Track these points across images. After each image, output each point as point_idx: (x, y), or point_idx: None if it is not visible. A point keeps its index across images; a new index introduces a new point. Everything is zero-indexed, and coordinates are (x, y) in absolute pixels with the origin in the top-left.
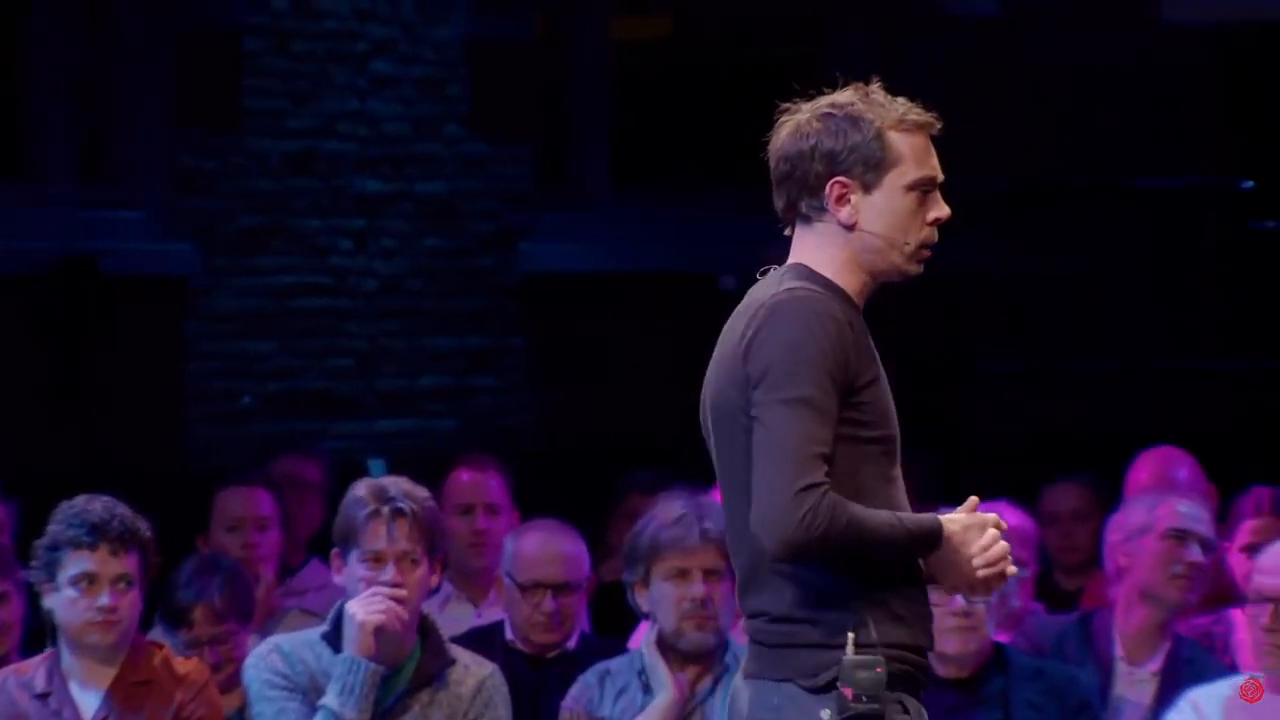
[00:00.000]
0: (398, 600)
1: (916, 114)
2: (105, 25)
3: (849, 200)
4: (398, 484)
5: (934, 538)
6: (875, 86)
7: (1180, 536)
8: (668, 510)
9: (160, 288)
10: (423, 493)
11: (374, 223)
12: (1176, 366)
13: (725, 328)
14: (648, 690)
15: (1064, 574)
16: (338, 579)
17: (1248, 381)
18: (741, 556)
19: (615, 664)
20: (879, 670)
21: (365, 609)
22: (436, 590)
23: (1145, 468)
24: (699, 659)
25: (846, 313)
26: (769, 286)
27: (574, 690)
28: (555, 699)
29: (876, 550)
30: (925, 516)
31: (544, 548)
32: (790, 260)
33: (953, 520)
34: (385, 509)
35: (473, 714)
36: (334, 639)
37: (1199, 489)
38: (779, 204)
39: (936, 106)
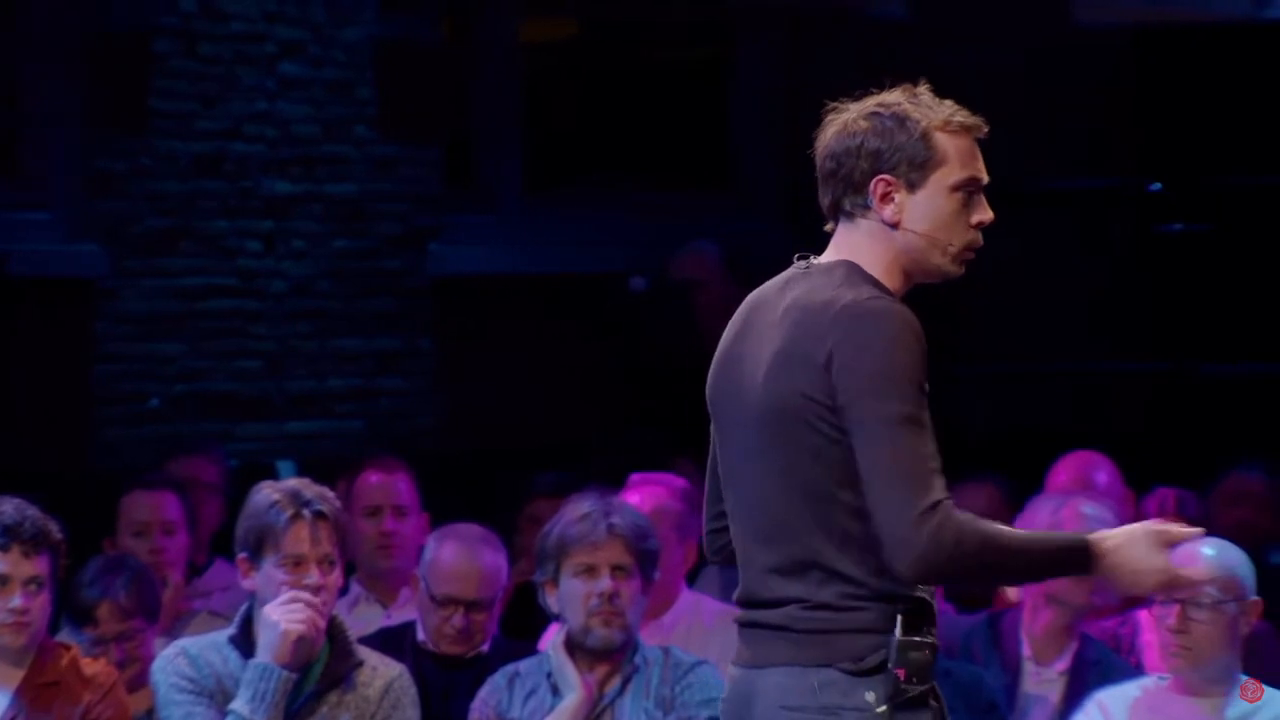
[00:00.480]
0: (318, 606)
1: (963, 116)
2: (15, 26)
3: (893, 199)
4: (309, 486)
5: (1082, 557)
6: (923, 88)
7: None
8: (575, 508)
9: (68, 289)
10: (331, 494)
11: (283, 224)
12: (1086, 368)
13: (758, 318)
14: (556, 692)
15: None
16: (246, 583)
17: (1156, 383)
18: (784, 545)
19: (524, 666)
20: (927, 653)
21: (287, 617)
22: (345, 592)
23: (1065, 471)
24: (607, 657)
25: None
26: (827, 286)
27: (482, 692)
28: (465, 700)
29: (1015, 566)
30: (1072, 536)
31: (461, 562)
32: (834, 256)
33: (1106, 538)
34: (306, 512)
35: (380, 715)
36: (241, 642)
37: (1117, 493)
38: (824, 200)
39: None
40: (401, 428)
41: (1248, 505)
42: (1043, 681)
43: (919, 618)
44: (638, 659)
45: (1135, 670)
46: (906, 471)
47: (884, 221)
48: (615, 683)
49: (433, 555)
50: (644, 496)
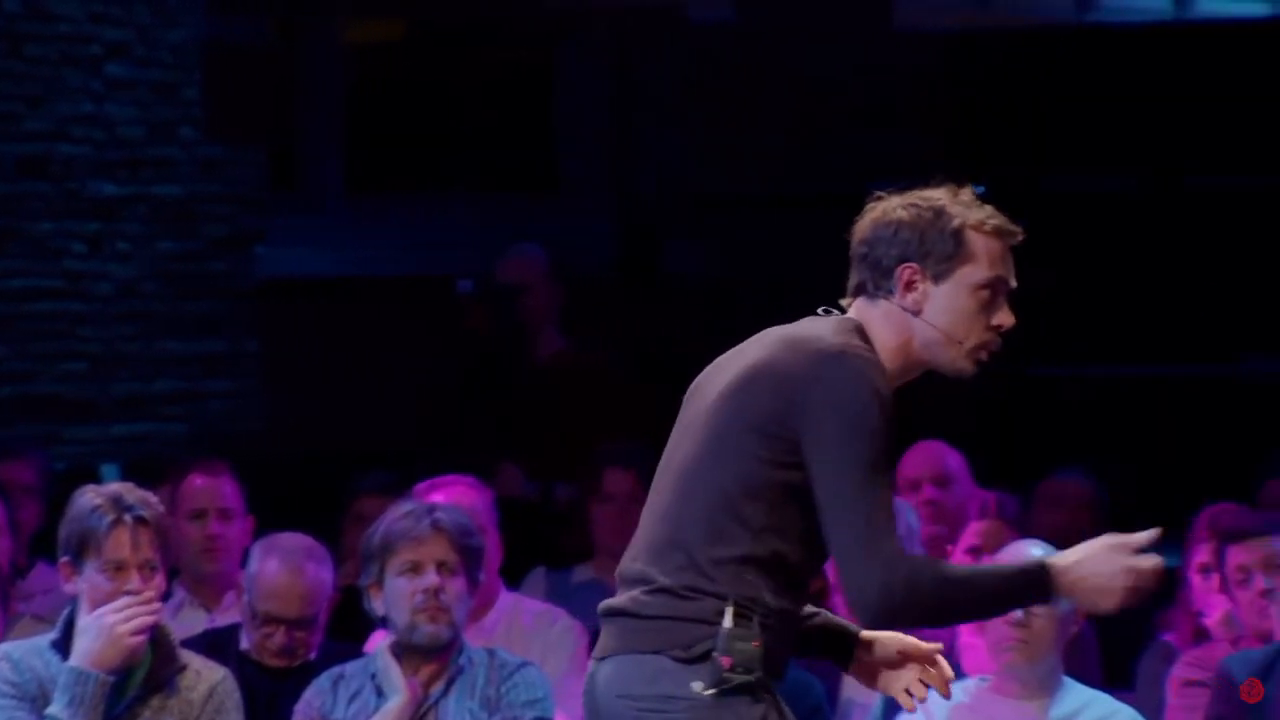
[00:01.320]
0: (150, 610)
1: (1000, 220)
2: None
3: (917, 287)
4: (131, 491)
5: (1041, 581)
6: (967, 190)
7: None
8: (399, 507)
9: None
10: (154, 499)
11: (108, 226)
12: None
13: (760, 340)
14: (381, 694)
15: None
16: (68, 587)
17: (984, 385)
18: (667, 525)
19: (349, 668)
20: (755, 645)
21: (121, 621)
22: (169, 596)
23: (916, 459)
24: (433, 656)
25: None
26: (827, 329)
27: (307, 694)
28: (291, 705)
29: (972, 600)
30: (1028, 561)
31: (284, 580)
32: (851, 317)
33: (1062, 556)
34: (128, 517)
35: (204, 719)
36: (63, 646)
37: (966, 483)
38: (851, 282)
39: (674, 112)
40: (227, 430)
41: (1068, 508)
42: (862, 685)
43: (753, 613)
44: (462, 660)
45: (955, 673)
46: (867, 521)
47: (904, 309)
48: (440, 684)
49: (256, 570)
50: (448, 497)
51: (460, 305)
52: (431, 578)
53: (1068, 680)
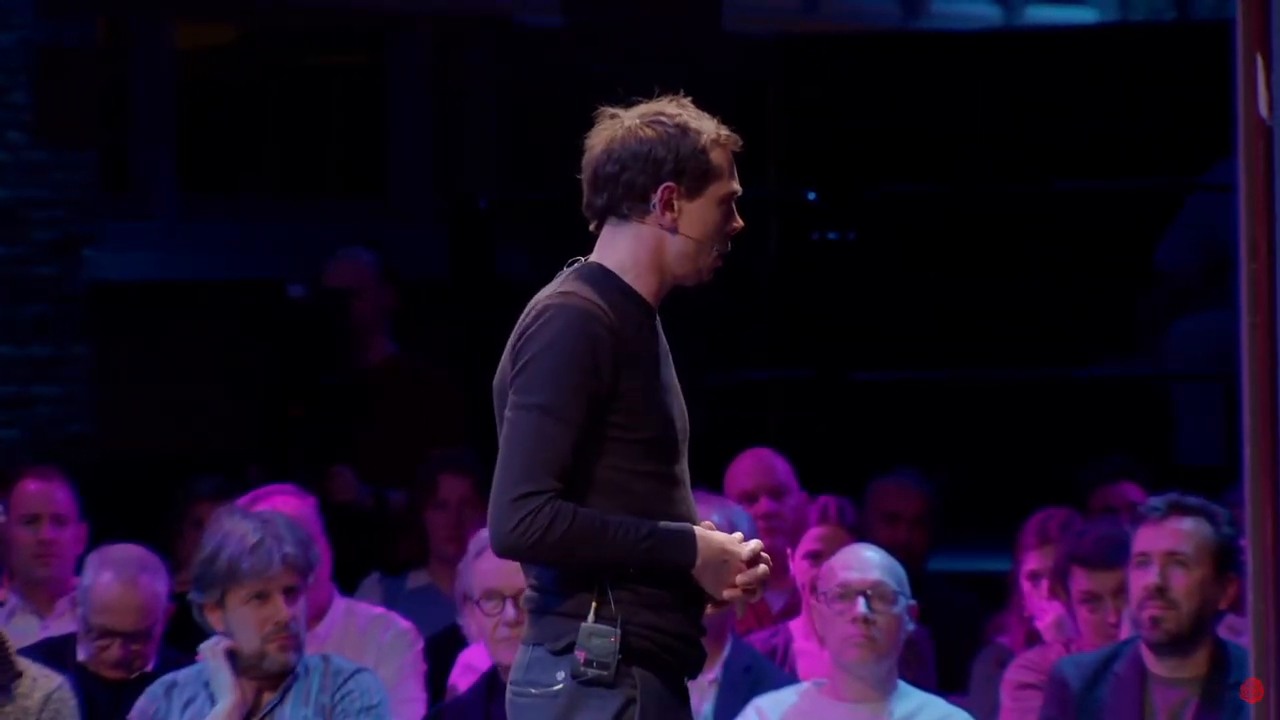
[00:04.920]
0: None
1: (727, 132)
2: None
3: (674, 206)
4: None
5: (683, 549)
6: (687, 99)
7: None
8: (242, 534)
9: None
10: None
11: None
12: (731, 378)
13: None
14: (215, 700)
15: None
16: None
17: (797, 391)
18: None
19: (182, 675)
20: (612, 640)
21: None
22: (2, 603)
23: (745, 467)
24: (276, 675)
25: (618, 318)
26: (554, 285)
27: (140, 703)
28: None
29: (605, 557)
30: (679, 529)
31: (118, 593)
32: (594, 258)
33: (713, 539)
34: None
35: None
36: None
37: (795, 490)
38: (596, 201)
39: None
40: (58, 435)
41: (899, 512)
42: (695, 690)
43: (618, 609)
44: (298, 667)
45: (789, 677)
46: (520, 457)
47: (661, 226)
48: (275, 692)
49: (91, 583)
50: (274, 508)
51: (292, 309)
52: (282, 610)
53: (902, 684)
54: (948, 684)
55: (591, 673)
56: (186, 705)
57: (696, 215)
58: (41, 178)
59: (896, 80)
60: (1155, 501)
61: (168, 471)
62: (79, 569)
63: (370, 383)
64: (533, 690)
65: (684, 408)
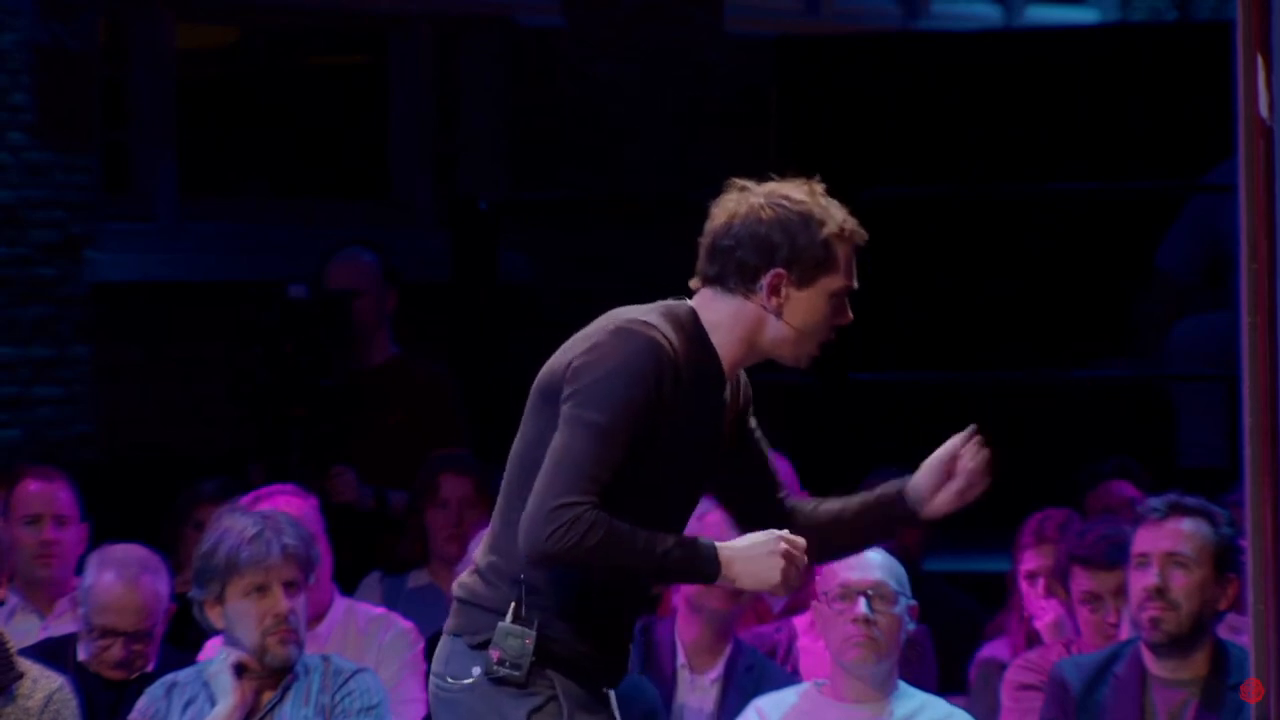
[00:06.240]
0: None
1: (855, 225)
2: None
3: (781, 292)
4: None
5: (706, 563)
6: (818, 185)
7: None
8: (241, 527)
9: None
10: None
11: None
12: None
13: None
14: (215, 701)
15: None
16: None
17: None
18: (498, 517)
19: (182, 675)
20: (527, 642)
21: None
22: (3, 603)
23: None
24: (277, 673)
25: (684, 364)
26: (636, 308)
27: (141, 703)
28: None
29: (631, 565)
30: (705, 543)
31: (119, 593)
32: (692, 302)
33: (735, 544)
34: None
35: None
36: None
37: (796, 489)
38: (708, 270)
39: (503, 116)
40: (59, 436)
41: None
42: (697, 689)
43: (535, 611)
44: (298, 667)
45: (790, 676)
46: (573, 467)
47: (764, 308)
48: (275, 691)
49: (92, 582)
50: (275, 507)
51: (293, 310)
52: (281, 602)
53: (902, 684)
54: (947, 685)
55: (503, 672)
56: (187, 705)
57: (803, 305)
58: (42, 178)
59: (896, 81)
60: (1155, 502)
61: (169, 472)
62: (80, 569)
63: (371, 384)
64: (449, 680)
65: (698, 473)
